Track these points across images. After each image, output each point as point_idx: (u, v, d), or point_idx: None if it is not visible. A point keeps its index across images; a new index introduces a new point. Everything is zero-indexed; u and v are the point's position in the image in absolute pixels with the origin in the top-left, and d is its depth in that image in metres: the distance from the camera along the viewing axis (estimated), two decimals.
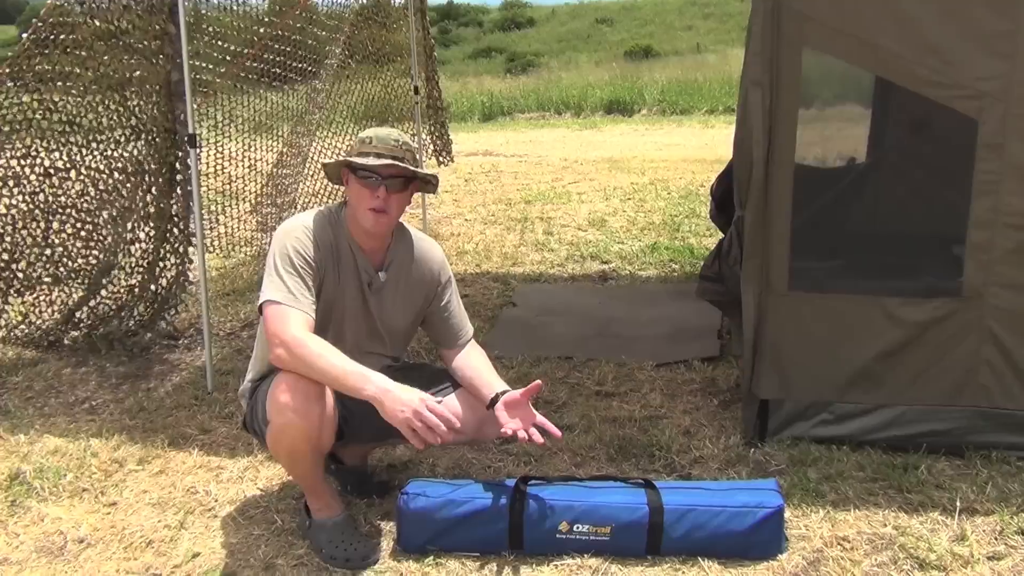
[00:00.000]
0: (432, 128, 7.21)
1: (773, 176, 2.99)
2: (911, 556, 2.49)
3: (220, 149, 5.03)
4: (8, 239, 4.37)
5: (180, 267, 4.30)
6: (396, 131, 2.56)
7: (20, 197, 4.32)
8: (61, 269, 4.50)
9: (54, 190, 4.36)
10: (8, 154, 4.26)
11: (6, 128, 4.22)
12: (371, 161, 2.45)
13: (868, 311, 3.03)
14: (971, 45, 2.81)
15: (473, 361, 2.69)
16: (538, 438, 2.45)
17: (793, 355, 3.11)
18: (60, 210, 4.42)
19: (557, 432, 2.48)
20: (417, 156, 2.58)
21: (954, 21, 2.81)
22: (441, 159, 7.38)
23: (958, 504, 2.73)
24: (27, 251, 4.41)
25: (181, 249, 4.27)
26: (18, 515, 2.88)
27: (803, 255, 3.07)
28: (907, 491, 2.83)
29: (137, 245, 4.43)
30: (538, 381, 2.49)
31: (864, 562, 2.47)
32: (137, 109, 4.17)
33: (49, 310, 4.56)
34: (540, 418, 2.49)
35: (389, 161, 2.45)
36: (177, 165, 4.12)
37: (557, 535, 2.49)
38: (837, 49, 2.94)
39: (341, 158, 2.51)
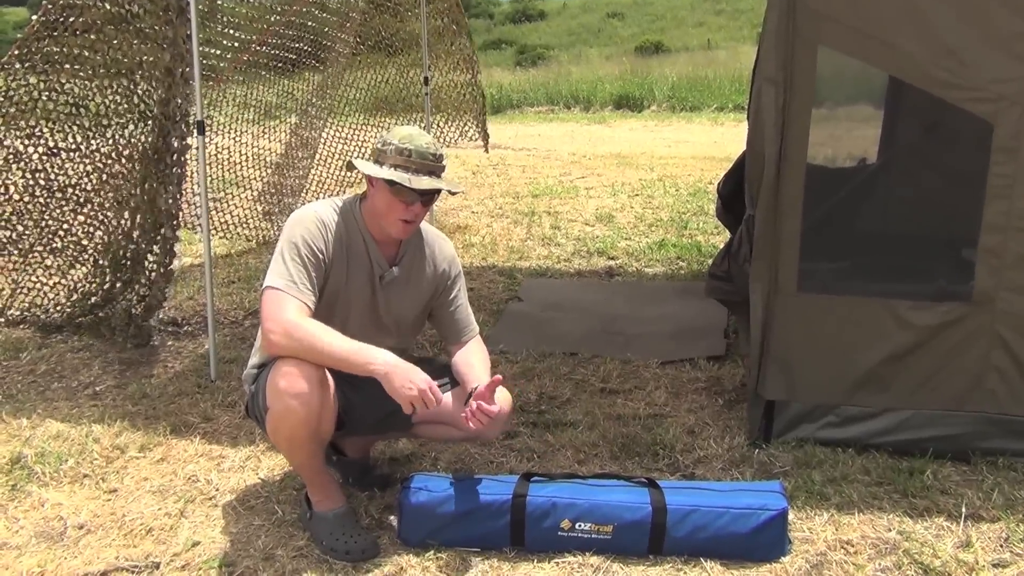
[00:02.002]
0: (477, 117, 7.38)
1: (784, 175, 2.96)
2: (915, 561, 2.47)
3: (216, 131, 5.06)
4: (13, 218, 4.36)
5: (169, 258, 4.23)
6: (430, 139, 2.52)
7: (22, 176, 4.31)
8: (67, 254, 4.49)
9: (56, 170, 4.35)
10: (14, 135, 4.25)
11: (13, 110, 4.21)
12: (412, 181, 2.42)
13: (877, 314, 3.01)
14: (988, 47, 2.78)
15: (471, 358, 2.67)
16: (473, 421, 2.38)
17: (800, 357, 3.09)
18: (63, 190, 4.40)
19: (491, 410, 2.39)
20: (445, 162, 2.55)
21: (972, 22, 2.78)
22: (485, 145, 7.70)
23: (964, 510, 2.71)
24: (31, 229, 4.40)
25: (170, 240, 4.21)
26: (18, 499, 2.88)
27: (812, 256, 3.04)
28: (912, 496, 2.81)
29: (132, 233, 4.41)
30: (498, 376, 2.45)
31: (868, 566, 2.45)
32: (145, 95, 4.14)
33: (52, 291, 4.55)
34: (486, 405, 2.40)
35: (427, 178, 2.44)
36: (173, 154, 4.06)
37: (559, 533, 2.47)
38: (852, 48, 2.91)
39: (382, 172, 2.44)
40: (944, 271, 3.13)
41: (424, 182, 2.44)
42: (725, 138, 12.88)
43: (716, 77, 19.41)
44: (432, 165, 2.48)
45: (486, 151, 7.92)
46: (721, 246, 3.48)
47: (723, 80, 18.99)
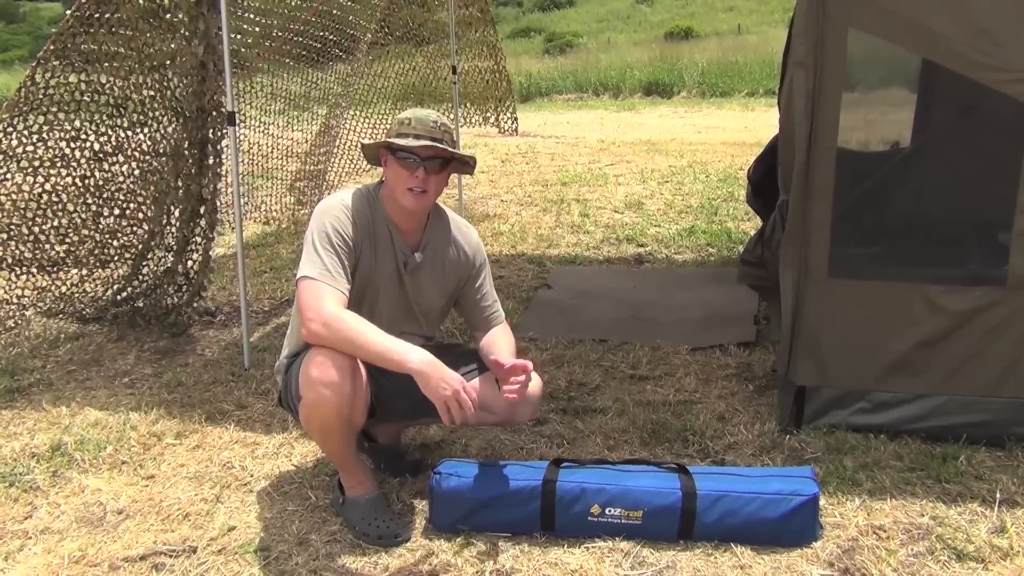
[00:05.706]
0: (503, 102, 7.47)
1: (815, 160, 2.94)
2: (948, 547, 2.45)
3: (248, 126, 5.11)
4: (52, 219, 4.43)
5: (207, 248, 4.29)
6: (434, 112, 2.56)
7: (68, 179, 4.37)
8: (108, 250, 4.56)
9: (103, 173, 4.41)
10: (56, 135, 4.31)
11: (53, 108, 4.27)
12: (410, 142, 2.45)
13: (909, 299, 2.98)
14: (1023, 27, 2.73)
15: (496, 341, 2.70)
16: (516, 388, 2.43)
17: (831, 342, 3.07)
18: (105, 189, 4.46)
19: (522, 362, 2.44)
20: (455, 137, 2.57)
21: (1006, 1, 2.73)
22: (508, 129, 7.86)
23: (998, 495, 2.68)
24: (71, 231, 4.46)
25: (209, 229, 4.27)
26: (59, 485, 2.94)
27: (844, 241, 3.02)
28: (945, 481, 2.79)
29: (171, 225, 4.46)
30: (527, 361, 2.48)
31: (900, 552, 2.44)
32: (177, 89, 4.19)
33: (92, 287, 4.63)
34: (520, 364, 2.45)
35: (428, 142, 2.46)
36: (209, 146, 4.11)
37: (589, 518, 2.48)
38: (883, 30, 2.88)
39: (380, 139, 2.52)
40: (978, 255, 3.09)
41: (423, 143, 2.46)
42: (756, 123, 12.76)
43: (747, 62, 19.19)
44: (432, 130, 2.49)
45: (516, 134, 8.11)
46: (751, 232, 3.46)
47: (754, 65, 18.77)
